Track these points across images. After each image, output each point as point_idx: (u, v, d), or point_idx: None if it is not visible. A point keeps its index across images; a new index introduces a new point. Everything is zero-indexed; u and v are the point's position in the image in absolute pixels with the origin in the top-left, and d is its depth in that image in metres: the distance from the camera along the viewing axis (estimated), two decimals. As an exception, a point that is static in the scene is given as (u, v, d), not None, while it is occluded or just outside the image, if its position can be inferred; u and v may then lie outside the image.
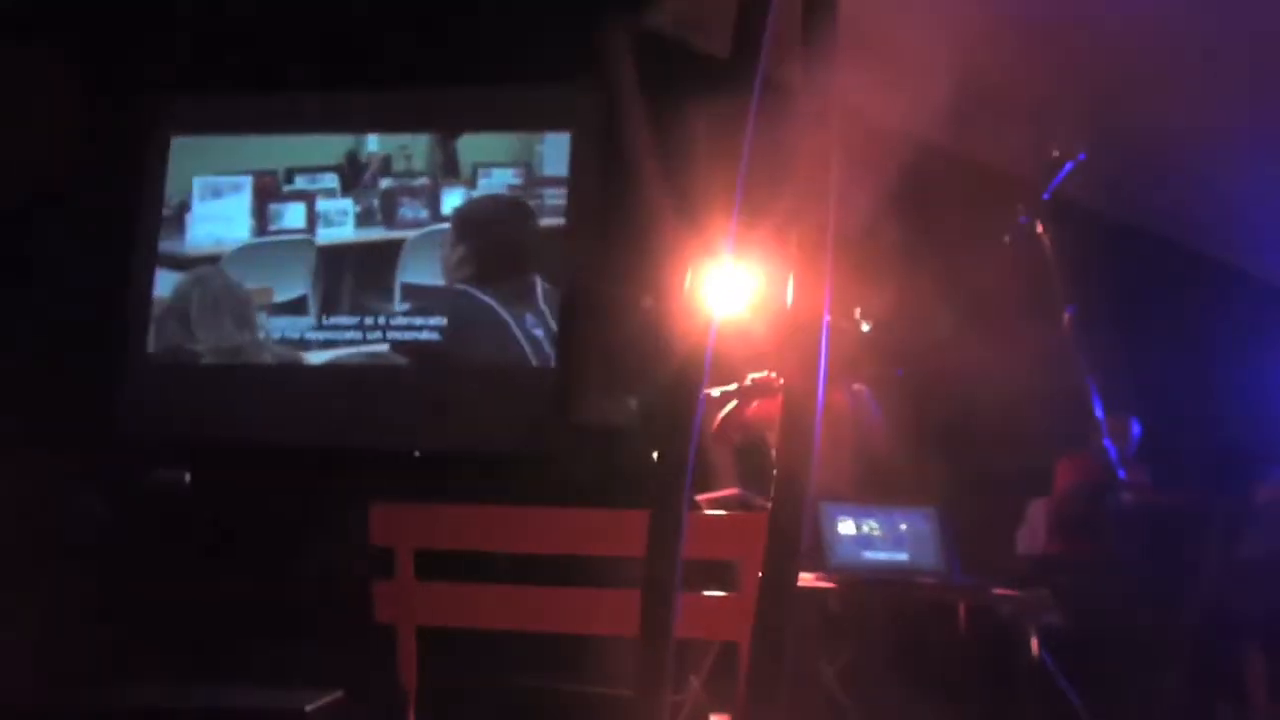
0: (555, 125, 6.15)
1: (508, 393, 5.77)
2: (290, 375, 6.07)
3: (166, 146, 6.40)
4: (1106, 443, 3.39)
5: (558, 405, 5.63)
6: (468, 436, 5.70)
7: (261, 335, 6.12)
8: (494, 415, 5.73)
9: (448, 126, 6.24)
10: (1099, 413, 3.34)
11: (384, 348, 6.02)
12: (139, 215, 6.29)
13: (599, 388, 5.37)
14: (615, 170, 5.56)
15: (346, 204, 6.25)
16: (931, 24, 3.59)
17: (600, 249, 5.63)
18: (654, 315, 4.05)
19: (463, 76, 6.07)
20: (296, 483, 5.21)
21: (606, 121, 5.77)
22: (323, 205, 6.27)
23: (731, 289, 3.80)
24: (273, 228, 6.30)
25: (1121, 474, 3.51)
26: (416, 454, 5.78)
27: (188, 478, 5.51)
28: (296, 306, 6.14)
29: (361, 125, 6.33)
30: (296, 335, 6.10)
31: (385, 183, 6.25)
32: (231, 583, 4.73)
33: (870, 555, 3.27)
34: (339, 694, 2.91)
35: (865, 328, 4.05)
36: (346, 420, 5.86)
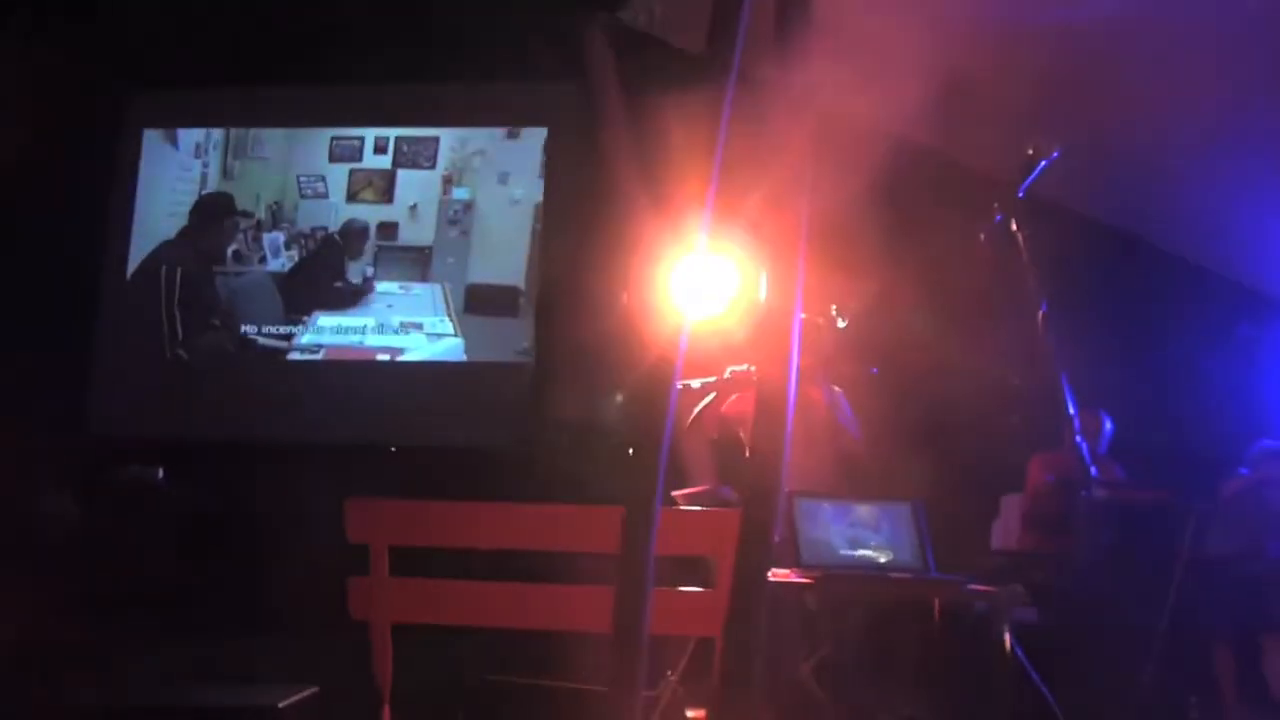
0: (531, 120, 6.14)
1: (486, 388, 5.76)
2: (267, 371, 6.03)
3: (139, 141, 6.34)
4: (1079, 439, 3.40)
5: (534, 401, 5.62)
6: (445, 432, 5.69)
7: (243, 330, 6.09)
8: (471, 410, 5.72)
9: (424, 122, 6.22)
10: (1072, 409, 3.35)
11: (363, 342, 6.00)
12: (111, 211, 6.23)
13: (576, 383, 5.36)
14: (591, 165, 5.55)
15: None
16: (906, 21, 3.60)
17: (576, 244, 5.63)
18: (630, 310, 4.04)
19: (438, 73, 6.04)
20: (271, 478, 5.18)
21: (582, 116, 5.76)
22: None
23: (707, 283, 3.80)
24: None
25: (1094, 470, 3.52)
26: (393, 449, 5.76)
27: (161, 474, 5.47)
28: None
29: (336, 121, 6.29)
30: (274, 328, 6.06)
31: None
32: (206, 579, 4.70)
33: (846, 551, 3.28)
34: (313, 690, 2.90)
35: (841, 324, 4.06)
36: (323, 415, 5.83)
